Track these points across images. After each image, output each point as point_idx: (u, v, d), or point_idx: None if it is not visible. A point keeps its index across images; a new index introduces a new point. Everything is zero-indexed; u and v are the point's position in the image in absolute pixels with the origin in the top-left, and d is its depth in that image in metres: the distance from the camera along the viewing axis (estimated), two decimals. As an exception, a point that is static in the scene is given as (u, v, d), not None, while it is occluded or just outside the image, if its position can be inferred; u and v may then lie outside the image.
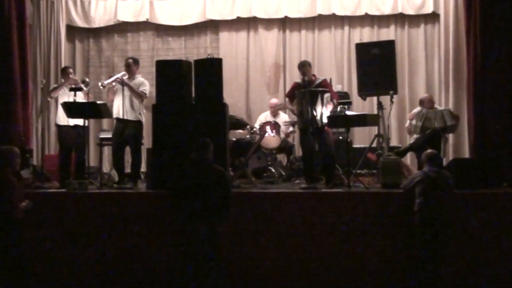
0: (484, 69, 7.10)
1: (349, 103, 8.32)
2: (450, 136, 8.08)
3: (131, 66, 7.30)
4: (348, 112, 7.24)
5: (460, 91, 8.54)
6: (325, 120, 6.53)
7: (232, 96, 9.33)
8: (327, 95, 6.60)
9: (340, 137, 7.92)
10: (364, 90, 7.34)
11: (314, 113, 6.43)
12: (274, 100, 8.71)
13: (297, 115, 6.84)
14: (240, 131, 8.26)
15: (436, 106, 7.67)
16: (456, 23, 8.70)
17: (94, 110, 6.90)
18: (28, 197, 5.38)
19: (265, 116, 8.53)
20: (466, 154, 8.01)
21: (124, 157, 7.30)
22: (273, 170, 7.84)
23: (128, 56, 8.28)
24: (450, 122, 7.00)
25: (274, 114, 8.52)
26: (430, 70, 9.37)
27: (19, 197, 5.16)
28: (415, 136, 7.32)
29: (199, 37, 9.98)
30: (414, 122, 7.14)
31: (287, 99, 7.33)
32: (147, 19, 9.74)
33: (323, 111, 6.51)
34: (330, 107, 6.70)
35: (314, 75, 7.06)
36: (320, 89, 6.68)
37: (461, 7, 8.18)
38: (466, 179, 6.14)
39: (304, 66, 6.96)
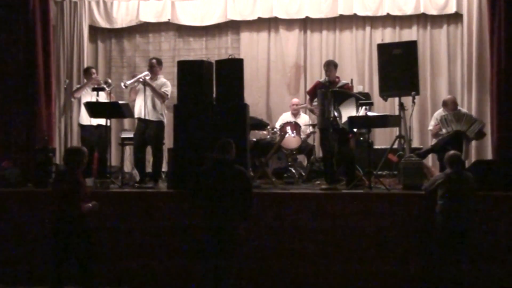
0: (508, 70, 6.99)
1: (371, 104, 8.23)
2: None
3: (155, 66, 7.35)
4: (369, 113, 7.19)
5: (483, 93, 8.41)
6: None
7: (253, 96, 9.34)
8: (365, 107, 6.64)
9: (361, 138, 7.89)
10: (386, 91, 7.29)
11: (336, 114, 6.41)
12: (295, 100, 8.73)
13: (318, 115, 6.83)
14: (261, 131, 8.27)
15: (459, 108, 7.59)
16: (479, 24, 8.55)
17: (116, 110, 6.97)
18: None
19: (287, 116, 8.54)
20: (489, 156, 7.91)
21: (145, 156, 7.36)
22: (294, 171, 7.85)
23: (150, 57, 8.35)
24: (471, 134, 6.85)
25: (295, 113, 8.52)
26: (453, 71, 9.25)
27: (84, 198, 5.10)
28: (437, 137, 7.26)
29: (220, 38, 10.00)
30: (444, 130, 6.98)
31: (307, 97, 7.33)
32: (169, 19, 9.77)
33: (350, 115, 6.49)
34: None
35: (337, 77, 7.05)
36: (362, 99, 6.75)
37: (485, 7, 8.05)
38: (489, 181, 6.08)
39: (329, 65, 7.01)
